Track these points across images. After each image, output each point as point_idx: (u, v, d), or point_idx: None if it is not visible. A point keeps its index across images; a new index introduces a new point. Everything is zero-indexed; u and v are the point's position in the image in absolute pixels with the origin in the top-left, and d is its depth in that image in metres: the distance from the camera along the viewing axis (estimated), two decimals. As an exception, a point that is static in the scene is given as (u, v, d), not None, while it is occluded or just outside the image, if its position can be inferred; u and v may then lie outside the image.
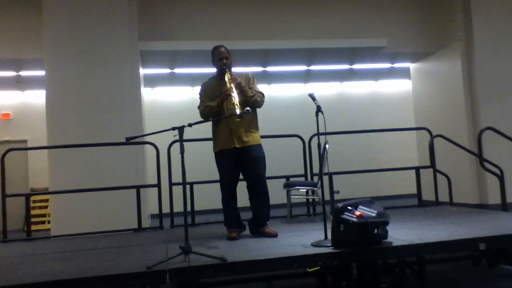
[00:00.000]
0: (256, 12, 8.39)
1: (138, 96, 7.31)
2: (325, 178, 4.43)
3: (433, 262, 4.29)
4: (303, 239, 3.71)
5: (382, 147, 11.43)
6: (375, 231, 3.22)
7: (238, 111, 3.78)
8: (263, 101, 4.14)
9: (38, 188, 9.40)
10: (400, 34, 8.78)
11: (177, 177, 4.14)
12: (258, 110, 4.19)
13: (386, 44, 8.37)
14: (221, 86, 4.06)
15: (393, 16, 8.83)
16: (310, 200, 5.80)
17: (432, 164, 5.95)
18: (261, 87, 4.32)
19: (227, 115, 3.97)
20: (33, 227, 7.07)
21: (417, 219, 4.74)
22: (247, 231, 4.18)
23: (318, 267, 3.68)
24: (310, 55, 9.01)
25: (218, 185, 4.18)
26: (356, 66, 10.22)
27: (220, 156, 4.11)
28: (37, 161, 9.40)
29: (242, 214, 4.22)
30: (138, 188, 5.43)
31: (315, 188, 5.06)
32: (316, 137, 3.75)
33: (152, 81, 10.09)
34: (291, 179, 5.56)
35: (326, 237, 3.50)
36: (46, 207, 9.06)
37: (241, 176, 4.17)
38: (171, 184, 5.29)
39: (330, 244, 3.33)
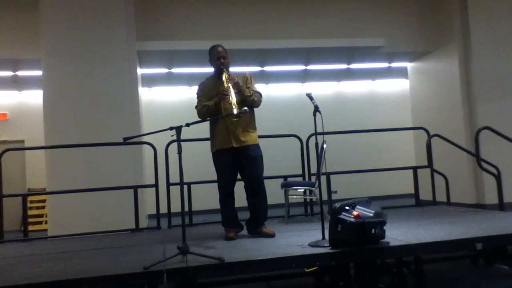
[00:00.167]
0: (254, 12, 8.38)
1: (136, 96, 7.29)
2: (323, 178, 4.43)
3: (430, 262, 4.29)
4: (301, 239, 3.71)
5: (379, 147, 11.44)
6: (373, 231, 3.22)
7: (235, 111, 3.78)
8: (261, 101, 4.14)
9: (35, 189, 9.37)
10: (397, 34, 8.79)
11: (174, 177, 4.14)
12: (255, 109, 4.19)
13: (383, 44, 8.38)
14: (218, 85, 4.06)
15: (391, 15, 8.84)
16: (308, 200, 5.81)
17: (430, 164, 5.96)
18: (259, 86, 4.32)
19: (224, 115, 3.96)
20: (30, 228, 7.08)
21: (414, 219, 4.75)
22: (244, 231, 4.18)
23: (316, 267, 3.69)
24: (308, 55, 9.02)
25: (215, 185, 4.18)
26: (354, 66, 10.22)
27: (218, 156, 4.11)
28: (34, 161, 9.38)
29: (240, 214, 4.22)
30: (135, 188, 5.43)
31: (313, 188, 5.06)
32: (314, 137, 3.75)
33: (150, 81, 10.08)
34: (289, 179, 5.57)
35: (323, 237, 3.51)
36: (43, 207, 9.03)
37: (238, 176, 4.17)
38: (168, 184, 5.28)
39: (328, 244, 3.34)
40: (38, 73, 7.36)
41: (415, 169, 6.28)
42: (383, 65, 10.35)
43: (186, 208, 5.20)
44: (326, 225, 3.42)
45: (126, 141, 3.68)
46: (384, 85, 12.27)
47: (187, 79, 10.18)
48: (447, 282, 4.24)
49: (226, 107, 3.98)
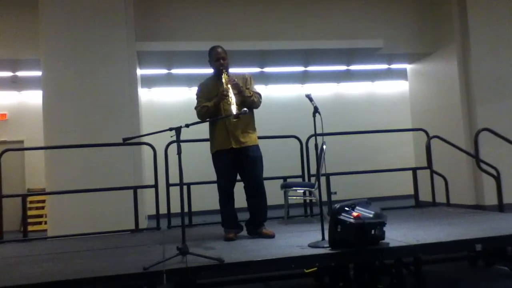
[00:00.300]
0: (253, 13, 8.39)
1: (135, 97, 7.30)
2: (322, 179, 4.43)
3: (430, 263, 4.30)
4: (300, 240, 3.71)
5: (379, 148, 11.45)
6: (372, 232, 3.23)
7: (235, 112, 3.78)
8: (260, 102, 4.15)
9: (34, 189, 9.37)
10: (397, 35, 8.80)
11: (174, 178, 4.14)
12: (255, 110, 4.19)
13: (382, 45, 8.39)
14: (218, 86, 4.06)
15: (390, 17, 8.85)
16: (307, 201, 5.81)
17: (429, 165, 5.97)
18: (258, 87, 4.32)
19: (224, 116, 3.96)
20: (30, 228, 7.08)
21: (414, 220, 4.75)
22: (244, 232, 4.18)
23: (316, 268, 3.69)
24: (307, 56, 9.03)
25: (215, 186, 4.18)
26: (353, 67, 10.24)
27: (217, 156, 4.11)
28: (33, 162, 9.38)
29: (240, 214, 4.21)
30: (135, 188, 5.43)
31: (312, 189, 5.06)
32: (314, 138, 3.76)
33: (149, 81, 10.08)
34: (289, 180, 5.56)
35: (323, 238, 3.51)
36: (42, 207, 9.02)
37: (238, 177, 4.17)
38: (168, 185, 5.28)
39: (327, 245, 3.34)
40: (38, 73, 7.36)
41: (414, 170, 6.28)
42: (383, 66, 10.36)
43: (186, 209, 5.16)
44: (326, 226, 3.42)
45: (126, 142, 3.68)
46: (383, 86, 12.28)
47: (187, 80, 10.19)
48: (447, 283, 4.24)
49: (226, 108, 3.98)
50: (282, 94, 11.52)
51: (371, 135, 10.31)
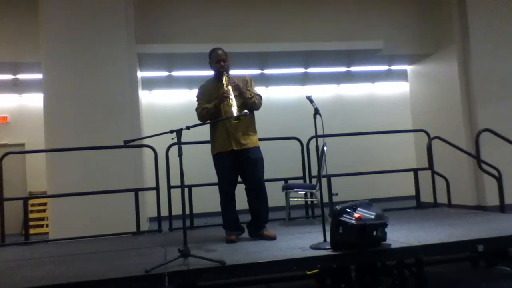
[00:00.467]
0: (254, 15, 8.40)
1: (136, 99, 7.30)
2: (324, 181, 4.44)
3: (431, 264, 4.29)
4: (302, 242, 3.71)
5: (380, 149, 11.45)
6: (374, 233, 3.23)
7: (235, 113, 3.79)
8: (261, 103, 4.15)
9: (36, 192, 9.37)
10: (397, 36, 8.80)
11: (175, 180, 4.14)
12: (256, 112, 4.20)
13: (382, 47, 8.39)
14: (218, 88, 4.07)
15: (390, 18, 8.85)
16: (309, 202, 5.81)
17: (430, 166, 5.97)
18: (259, 89, 4.32)
19: (224, 118, 3.97)
20: (31, 231, 7.07)
21: (415, 221, 4.75)
22: (245, 234, 4.18)
23: (317, 270, 3.69)
24: (308, 58, 9.03)
25: (216, 188, 4.18)
26: (353, 68, 10.23)
27: (218, 158, 4.11)
28: (35, 165, 9.38)
29: (241, 216, 4.21)
30: (136, 191, 5.42)
31: (314, 191, 5.06)
32: (314, 139, 3.76)
33: (150, 83, 10.08)
34: (290, 182, 5.56)
35: (325, 240, 3.51)
36: (44, 210, 9.03)
37: (239, 179, 4.17)
38: (169, 187, 5.28)
39: (329, 247, 3.34)
40: (39, 76, 7.37)
41: (415, 171, 6.28)
42: (383, 67, 10.36)
43: (187, 211, 5.19)
44: (327, 228, 3.42)
45: (127, 144, 3.68)
46: (384, 87, 12.29)
47: (187, 82, 10.20)
48: (449, 284, 4.23)
49: (226, 110, 3.99)
50: (282, 96, 11.53)
51: (371, 136, 10.31)
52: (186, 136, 3.56)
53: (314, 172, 5.73)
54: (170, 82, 10.24)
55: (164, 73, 9.38)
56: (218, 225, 4.75)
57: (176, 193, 4.15)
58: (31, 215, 8.51)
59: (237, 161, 4.05)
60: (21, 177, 9.69)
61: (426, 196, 6.27)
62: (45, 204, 8.82)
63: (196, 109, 4.15)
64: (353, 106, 11.94)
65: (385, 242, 3.36)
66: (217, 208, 4.21)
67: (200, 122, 4.05)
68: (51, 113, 6.87)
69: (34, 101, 9.75)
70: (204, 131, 4.21)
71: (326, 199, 5.38)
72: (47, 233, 7.14)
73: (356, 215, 3.23)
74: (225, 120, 3.96)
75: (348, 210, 3.29)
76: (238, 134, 4.01)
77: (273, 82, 11.08)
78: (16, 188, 9.05)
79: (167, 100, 11.06)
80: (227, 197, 4.13)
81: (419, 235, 3.77)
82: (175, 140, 3.38)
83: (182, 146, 3.38)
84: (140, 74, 8.42)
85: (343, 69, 10.18)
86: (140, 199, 5.45)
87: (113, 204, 6.23)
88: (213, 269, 3.05)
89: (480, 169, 5.86)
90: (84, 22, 7.02)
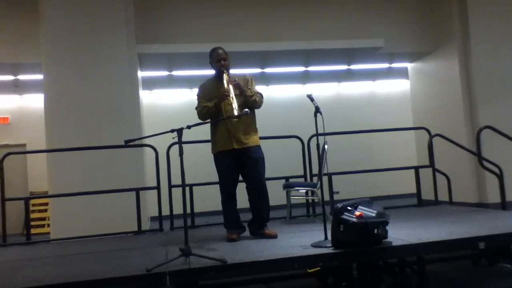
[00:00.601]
0: (254, 14, 8.40)
1: (137, 99, 7.31)
2: (325, 179, 4.44)
3: (433, 261, 4.29)
4: (303, 240, 3.71)
5: (380, 147, 11.44)
6: (375, 231, 3.22)
7: (236, 112, 3.78)
8: (262, 102, 4.15)
9: (37, 192, 9.38)
10: (397, 35, 8.79)
11: (176, 179, 4.14)
12: (256, 111, 4.19)
13: (383, 45, 8.38)
14: (219, 87, 4.07)
15: (390, 16, 8.84)
16: (310, 200, 5.81)
17: (431, 164, 5.96)
18: (260, 88, 4.32)
19: (225, 117, 3.97)
20: (33, 231, 7.06)
21: (416, 218, 4.75)
22: (247, 233, 4.18)
23: (319, 268, 3.69)
24: (308, 56, 9.02)
25: (217, 186, 4.19)
26: (354, 67, 10.23)
27: (219, 157, 4.11)
28: (36, 165, 9.39)
29: (242, 215, 4.22)
30: (137, 190, 5.43)
31: (315, 189, 5.06)
32: (315, 137, 3.76)
33: (151, 83, 10.09)
34: (291, 180, 5.56)
35: (326, 238, 3.51)
36: (45, 210, 9.04)
37: (240, 178, 4.17)
38: (170, 186, 5.28)
39: (330, 245, 3.34)
40: (39, 77, 7.38)
41: (416, 169, 6.27)
42: (384, 65, 10.35)
43: (188, 210, 5.20)
44: (328, 226, 3.42)
45: (128, 144, 3.68)
46: (384, 85, 12.27)
47: (188, 82, 10.20)
48: (450, 282, 4.23)
49: (227, 109, 3.99)
50: (283, 95, 11.52)
51: (372, 134, 10.30)
52: (186, 136, 3.56)
53: (315, 170, 5.73)
54: (170, 82, 10.24)
55: (165, 73, 9.38)
56: (219, 224, 4.75)
57: (177, 192, 4.16)
58: (32, 215, 8.51)
59: (238, 160, 4.05)
60: (22, 177, 9.71)
61: (427, 194, 6.27)
62: (46, 204, 8.84)
63: (196, 108, 4.15)
64: (354, 104, 11.93)
65: (386, 240, 3.36)
66: (218, 207, 4.21)
67: (201, 121, 4.05)
68: (52, 114, 6.87)
69: (35, 101, 9.76)
70: (205, 130, 4.21)
71: (327, 197, 5.38)
72: (48, 233, 7.15)
73: (357, 213, 3.23)
74: (226, 119, 3.96)
75: (349, 208, 3.29)
76: (239, 133, 4.01)
77: (273, 81, 11.07)
78: (18, 188, 9.06)
79: (168, 99, 11.06)
80: (228, 196, 4.13)
81: (420, 233, 3.77)
82: (176, 140, 3.38)
83: (183, 145, 3.38)
84: (141, 74, 8.42)
85: (343, 67, 10.18)
86: (141, 199, 5.45)
87: (114, 203, 6.24)
88: (215, 268, 3.05)
89: (481, 167, 5.86)
90: (84, 22, 7.02)
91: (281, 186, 5.19)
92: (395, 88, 12.22)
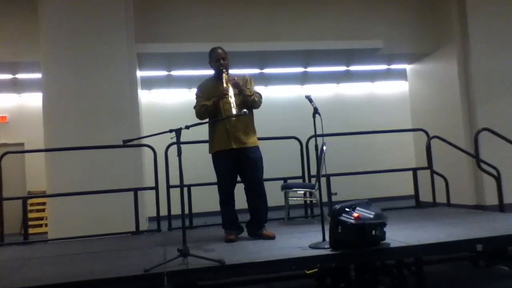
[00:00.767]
0: (253, 14, 8.40)
1: (135, 98, 7.30)
2: (323, 180, 4.43)
3: (431, 263, 4.29)
4: (301, 241, 3.71)
5: (379, 149, 11.45)
6: (373, 232, 3.23)
7: (234, 111, 3.78)
8: (261, 102, 4.16)
9: (35, 191, 9.36)
10: (396, 36, 8.80)
11: (174, 180, 4.14)
12: (255, 111, 4.19)
13: (382, 46, 8.39)
14: (218, 87, 4.07)
15: (389, 17, 8.85)
16: (308, 202, 5.81)
17: (429, 165, 5.97)
18: (258, 88, 4.32)
19: (224, 117, 3.97)
20: (31, 231, 7.06)
21: (414, 220, 4.75)
22: (245, 233, 4.18)
23: (316, 269, 3.69)
24: (307, 57, 9.03)
25: (216, 187, 4.18)
26: (353, 68, 10.24)
27: (217, 157, 4.11)
28: (34, 164, 9.37)
29: (240, 216, 4.22)
30: (135, 190, 5.42)
31: (313, 190, 5.06)
32: (314, 138, 3.76)
33: (149, 83, 10.08)
34: (289, 181, 5.56)
35: (324, 239, 3.51)
36: (43, 210, 9.02)
37: (238, 178, 4.17)
38: (168, 187, 5.28)
39: (328, 246, 3.34)
40: (38, 76, 7.37)
41: (415, 170, 6.28)
42: (382, 67, 10.36)
43: (186, 211, 5.20)
44: (327, 227, 3.42)
45: (126, 144, 3.68)
46: (383, 87, 12.29)
47: (187, 82, 10.19)
48: (448, 283, 4.23)
49: (226, 108, 3.99)
50: (282, 95, 11.53)
51: (371, 135, 10.31)
52: (185, 136, 3.56)
53: (313, 171, 5.74)
54: (169, 82, 10.24)
55: (164, 73, 9.38)
56: (217, 225, 4.76)
57: (175, 193, 4.15)
58: (30, 215, 8.51)
59: (236, 160, 4.05)
60: (20, 177, 9.69)
61: (425, 196, 6.27)
62: (44, 203, 8.81)
63: (195, 107, 4.15)
64: (353, 105, 11.94)
65: (384, 242, 3.37)
66: (216, 207, 4.21)
67: (199, 120, 4.05)
68: (50, 113, 6.86)
69: (33, 100, 9.74)
70: (203, 131, 4.21)
71: (325, 198, 5.39)
72: (46, 233, 7.13)
73: (355, 214, 3.23)
74: (225, 119, 3.96)
75: (347, 209, 3.29)
76: (237, 133, 4.01)
77: (272, 82, 11.07)
78: (15, 188, 9.04)
79: (167, 99, 11.06)
80: (226, 196, 4.13)
81: (418, 234, 3.78)
82: (174, 140, 3.38)
83: (181, 145, 3.37)
84: (140, 73, 8.41)
85: (342, 68, 10.19)
86: (139, 199, 5.45)
87: (112, 203, 6.23)
88: (212, 268, 3.05)
89: (479, 169, 5.87)
90: (83, 21, 7.00)
91: (280, 187, 5.19)
92: (394, 89, 12.24)
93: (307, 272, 3.83)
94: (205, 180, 5.41)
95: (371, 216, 3.26)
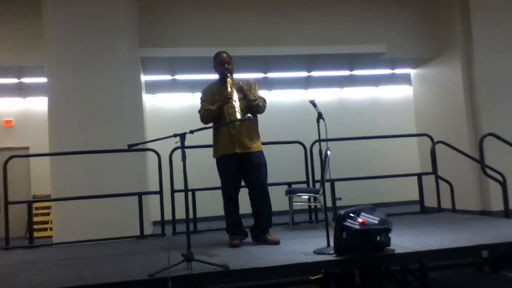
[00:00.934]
0: (257, 19, 8.42)
1: (140, 103, 7.32)
2: (327, 185, 4.43)
3: (435, 269, 4.27)
4: (306, 246, 3.71)
5: (383, 153, 11.42)
6: (378, 238, 3.22)
7: (238, 115, 3.79)
8: (265, 107, 4.16)
9: (40, 195, 9.39)
10: (400, 40, 8.80)
11: (179, 184, 4.15)
12: (259, 116, 4.20)
13: (385, 50, 8.38)
14: (222, 91, 4.07)
15: (393, 22, 8.85)
16: (312, 207, 5.80)
17: (434, 171, 5.95)
18: (262, 93, 4.33)
19: (228, 121, 3.97)
20: (35, 234, 7.08)
21: (419, 226, 4.73)
22: (249, 238, 4.18)
23: (321, 275, 3.68)
24: (311, 61, 9.03)
25: (220, 192, 4.19)
26: (357, 72, 10.23)
27: (221, 161, 4.12)
28: (39, 168, 9.40)
29: (244, 221, 4.21)
30: (140, 195, 5.44)
31: (317, 195, 5.05)
32: (318, 143, 3.76)
33: (153, 87, 10.11)
34: (293, 186, 5.56)
35: (328, 244, 3.50)
36: (48, 214, 9.04)
37: (243, 183, 4.17)
38: (173, 191, 5.28)
39: (333, 251, 3.33)
40: (43, 80, 7.40)
41: (419, 175, 6.26)
42: (386, 71, 10.35)
43: (191, 215, 5.19)
44: (331, 232, 3.42)
45: (131, 148, 3.69)
46: (387, 91, 12.27)
47: (191, 86, 10.21)
48: (453, 289, 4.21)
49: (230, 112, 4.00)
50: (285, 100, 11.52)
51: (375, 140, 10.28)
52: (189, 140, 3.57)
53: (318, 176, 5.71)
54: (173, 86, 10.26)
55: (168, 77, 9.40)
56: (221, 230, 4.75)
57: (179, 197, 4.16)
58: (35, 219, 8.51)
59: (240, 165, 4.05)
60: (26, 181, 9.72)
61: (430, 201, 6.25)
62: (49, 207, 8.83)
63: (199, 111, 4.16)
64: (356, 110, 11.92)
65: (389, 247, 3.35)
66: (221, 212, 4.21)
67: (203, 124, 4.06)
68: (55, 117, 6.89)
69: (38, 104, 9.79)
70: (208, 135, 4.22)
71: (329, 203, 5.36)
72: (51, 237, 7.15)
73: (360, 220, 3.23)
74: (229, 123, 3.97)
75: (351, 215, 3.29)
76: (241, 137, 4.02)
77: (276, 86, 11.08)
78: (20, 192, 9.07)
79: (171, 103, 11.08)
80: (231, 201, 4.13)
81: (423, 240, 3.76)
82: (179, 144, 3.39)
83: (186, 150, 3.38)
84: (144, 77, 8.44)
85: (346, 72, 10.18)
86: (143, 203, 5.46)
87: (117, 207, 6.24)
88: (217, 273, 3.05)
89: (484, 174, 5.84)
90: (87, 25, 7.04)
91: (284, 191, 5.19)
92: (398, 94, 12.21)
93: (312, 278, 3.81)
94: (210, 185, 5.41)
95: (376, 221, 3.25)
